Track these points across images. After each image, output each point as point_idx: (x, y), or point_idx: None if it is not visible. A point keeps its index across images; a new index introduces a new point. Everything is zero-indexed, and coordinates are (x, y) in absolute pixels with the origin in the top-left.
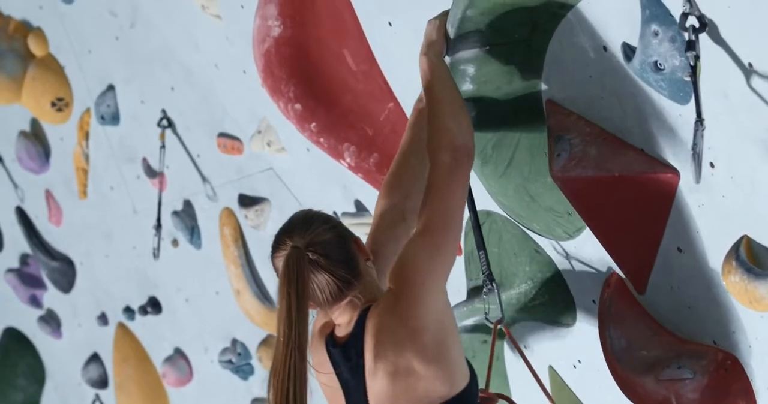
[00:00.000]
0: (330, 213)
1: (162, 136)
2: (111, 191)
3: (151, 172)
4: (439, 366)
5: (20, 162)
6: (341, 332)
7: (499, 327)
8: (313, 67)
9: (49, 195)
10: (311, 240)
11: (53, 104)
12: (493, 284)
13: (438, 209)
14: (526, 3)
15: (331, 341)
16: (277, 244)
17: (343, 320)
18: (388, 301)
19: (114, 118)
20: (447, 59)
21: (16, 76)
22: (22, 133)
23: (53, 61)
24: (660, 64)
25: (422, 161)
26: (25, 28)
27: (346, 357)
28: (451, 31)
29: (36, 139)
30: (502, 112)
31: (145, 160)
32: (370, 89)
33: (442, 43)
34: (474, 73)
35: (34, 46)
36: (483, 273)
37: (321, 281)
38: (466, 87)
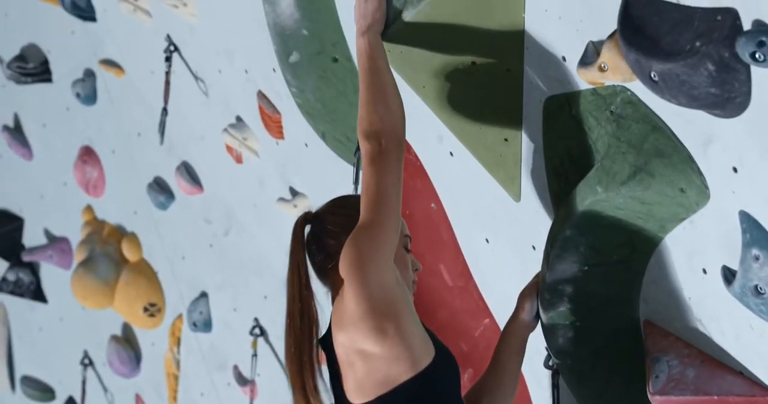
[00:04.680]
0: None
1: (254, 344)
2: (201, 397)
3: (242, 380)
4: (394, 345)
5: (111, 366)
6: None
7: None
8: None
9: (139, 399)
10: (317, 214)
11: (145, 309)
12: None
13: (367, 202)
14: (625, 225)
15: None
16: None
17: None
18: (341, 293)
19: (206, 325)
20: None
21: (109, 281)
22: (114, 337)
23: (146, 267)
24: (761, 288)
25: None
26: (119, 232)
27: (327, 349)
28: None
29: (127, 343)
30: (599, 333)
31: (236, 368)
32: (466, 305)
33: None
34: (572, 293)
35: (128, 251)
36: None
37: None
38: (563, 308)
